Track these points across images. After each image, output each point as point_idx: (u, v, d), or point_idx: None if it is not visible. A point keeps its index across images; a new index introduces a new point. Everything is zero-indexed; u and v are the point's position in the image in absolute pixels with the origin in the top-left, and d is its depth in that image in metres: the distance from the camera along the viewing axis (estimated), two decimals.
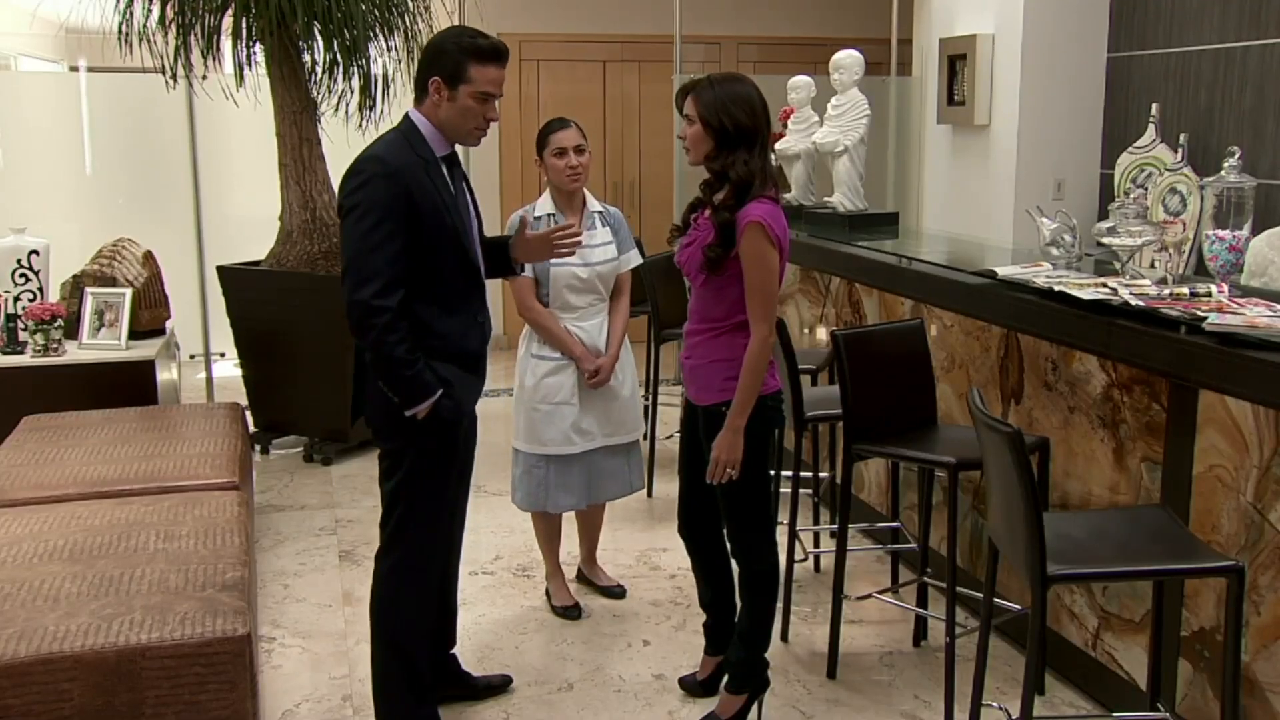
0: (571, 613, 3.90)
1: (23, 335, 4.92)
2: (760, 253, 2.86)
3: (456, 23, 6.22)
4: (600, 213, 3.85)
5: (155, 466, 3.85)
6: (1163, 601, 2.86)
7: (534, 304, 3.75)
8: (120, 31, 5.25)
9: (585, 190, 3.84)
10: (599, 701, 3.36)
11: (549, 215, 3.75)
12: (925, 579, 3.62)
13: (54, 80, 7.80)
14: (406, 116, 2.92)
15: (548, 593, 4.01)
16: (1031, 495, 2.40)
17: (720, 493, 3.03)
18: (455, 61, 2.83)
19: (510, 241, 3.21)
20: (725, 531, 3.18)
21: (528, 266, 3.68)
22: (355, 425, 3.22)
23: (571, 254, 3.31)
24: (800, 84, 5.36)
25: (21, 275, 5.05)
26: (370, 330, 2.76)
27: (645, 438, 4.24)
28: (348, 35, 5.26)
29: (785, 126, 5.45)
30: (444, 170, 2.91)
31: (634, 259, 3.92)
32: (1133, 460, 3.13)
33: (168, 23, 5.26)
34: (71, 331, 4.99)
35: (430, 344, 2.85)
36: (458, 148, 2.98)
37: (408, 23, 5.53)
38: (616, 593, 4.08)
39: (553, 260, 3.65)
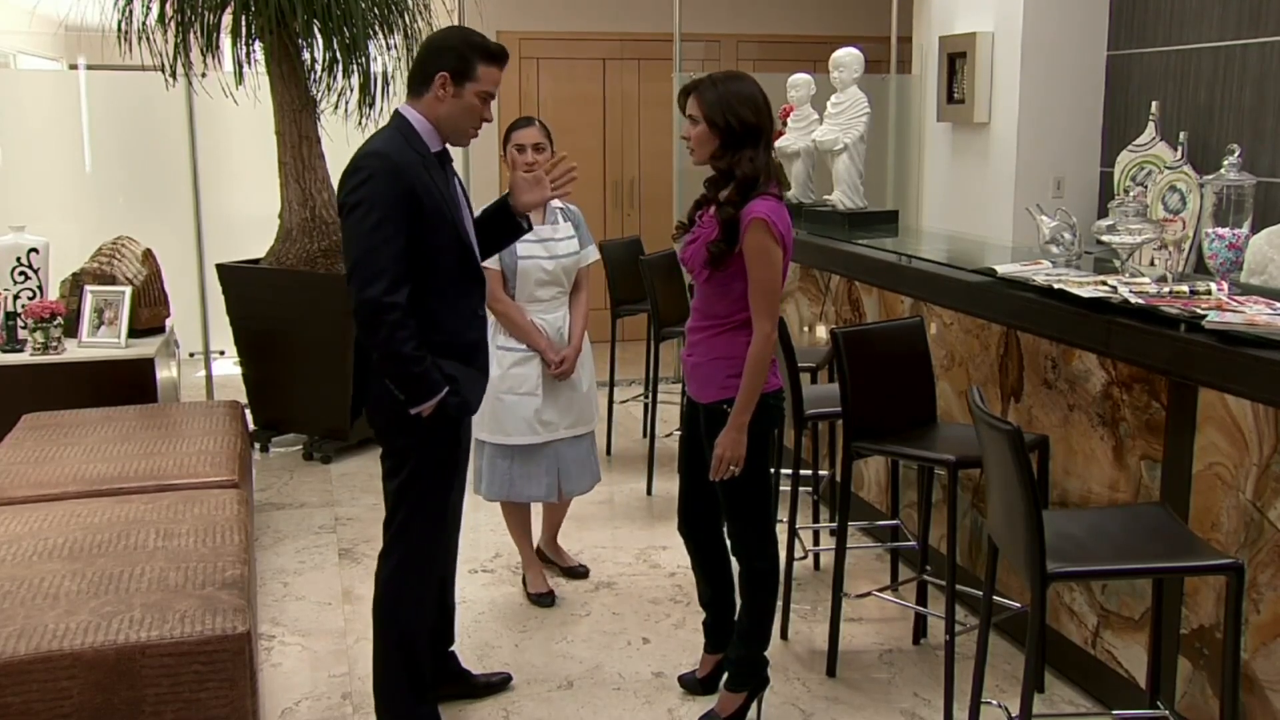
0: (545, 600, 3.97)
1: (22, 333, 4.92)
2: (764, 249, 2.87)
3: (456, 21, 6.22)
4: (561, 209, 3.95)
5: (155, 464, 3.85)
6: (1162, 599, 2.86)
7: (502, 295, 3.82)
8: (120, 29, 5.24)
9: None
10: (599, 700, 3.36)
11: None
12: (925, 577, 3.62)
13: (53, 78, 7.79)
14: (398, 113, 2.91)
15: (524, 580, 4.07)
16: (1031, 493, 2.40)
17: (721, 490, 3.04)
18: (464, 58, 2.83)
19: (506, 196, 3.15)
20: (725, 529, 3.18)
21: (495, 260, 3.70)
22: (355, 424, 3.20)
23: (568, 191, 3.19)
24: (800, 82, 5.36)
25: (21, 273, 5.05)
26: (380, 328, 2.75)
27: (645, 436, 4.25)
28: (347, 33, 5.26)
29: (785, 124, 5.45)
30: (439, 167, 2.91)
31: (593, 254, 4.04)
32: (1132, 458, 3.13)
33: (167, 20, 5.25)
34: (71, 329, 4.99)
35: (433, 339, 2.85)
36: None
37: (407, 21, 5.53)
38: (580, 572, 4.19)
39: (520, 254, 3.73)
